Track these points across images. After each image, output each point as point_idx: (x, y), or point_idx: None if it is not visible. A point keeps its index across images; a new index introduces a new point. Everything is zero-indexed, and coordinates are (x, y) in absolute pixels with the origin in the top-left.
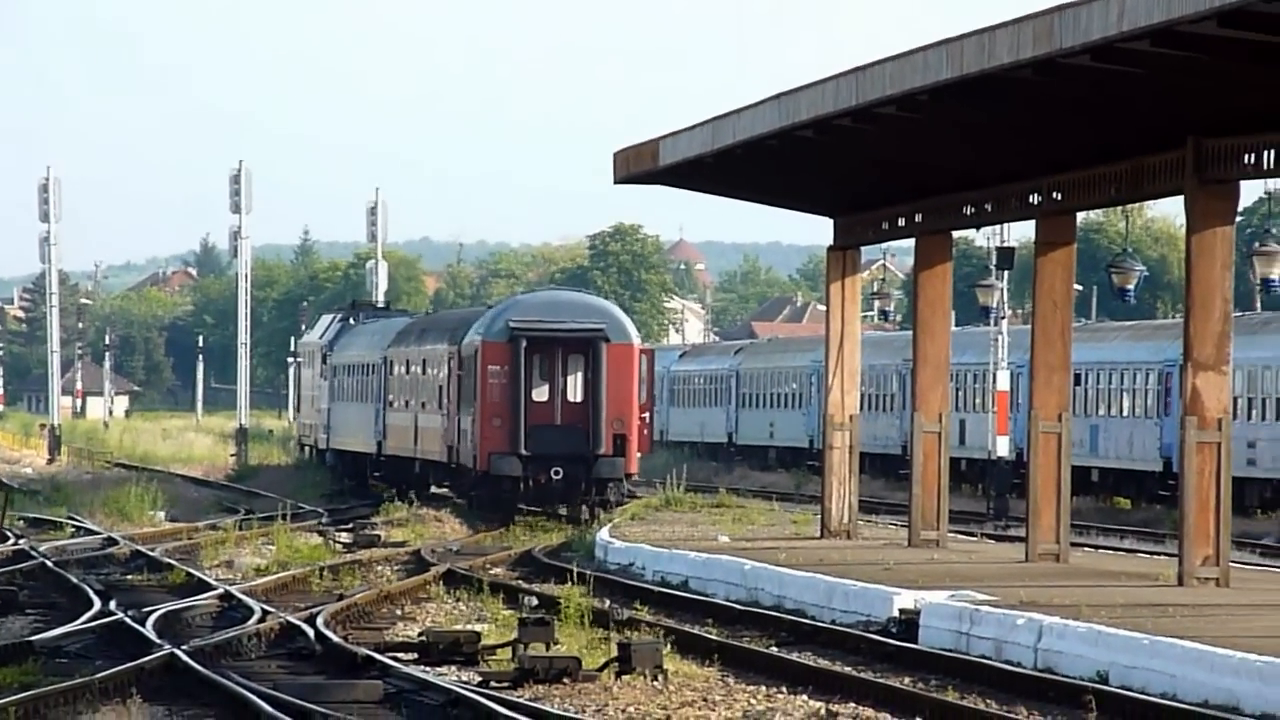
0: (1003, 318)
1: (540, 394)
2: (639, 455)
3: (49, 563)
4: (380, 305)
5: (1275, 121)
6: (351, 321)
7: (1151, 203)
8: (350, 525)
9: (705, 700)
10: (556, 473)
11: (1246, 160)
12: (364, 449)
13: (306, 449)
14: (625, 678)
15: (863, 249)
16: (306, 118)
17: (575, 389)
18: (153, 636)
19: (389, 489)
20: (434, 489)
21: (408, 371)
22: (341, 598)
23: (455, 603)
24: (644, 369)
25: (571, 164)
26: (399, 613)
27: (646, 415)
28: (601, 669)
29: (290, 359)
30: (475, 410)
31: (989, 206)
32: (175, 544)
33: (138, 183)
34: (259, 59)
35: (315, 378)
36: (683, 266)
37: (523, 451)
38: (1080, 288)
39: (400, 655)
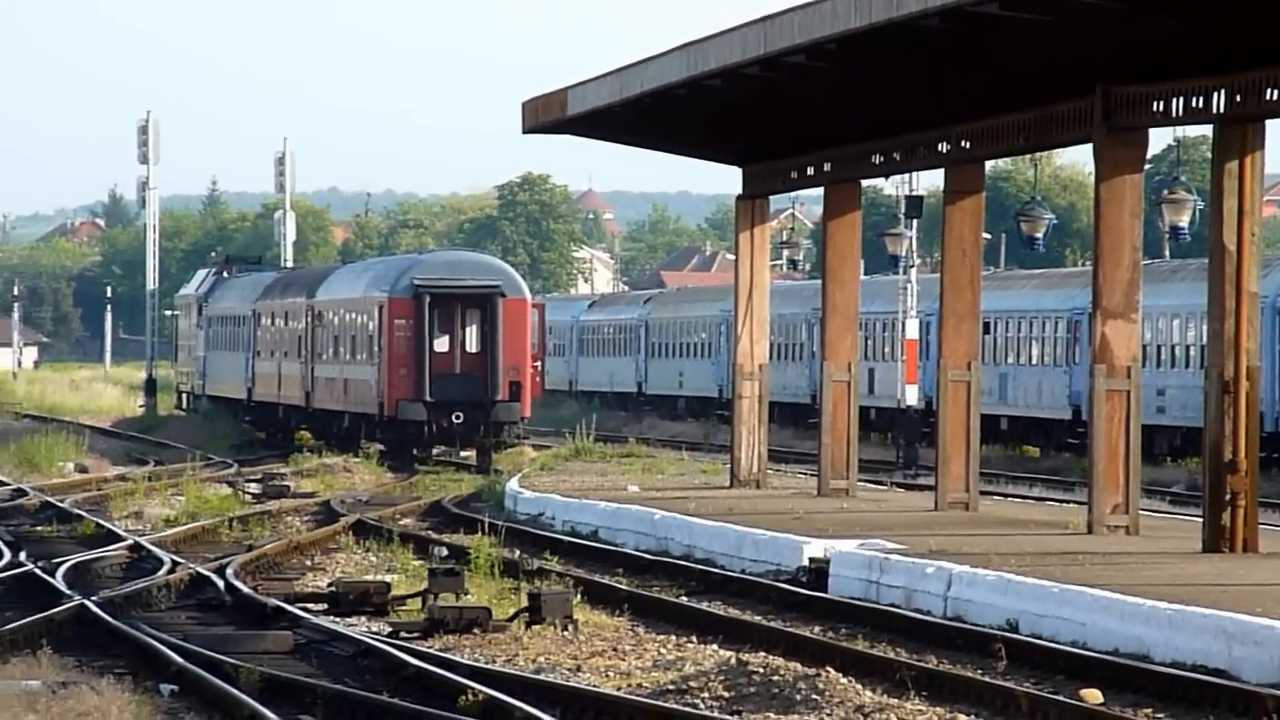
0: (912, 266)
1: (441, 345)
2: (532, 400)
3: None
4: (253, 259)
5: (1183, 69)
6: (225, 275)
7: (1060, 151)
8: (259, 476)
9: (615, 650)
10: (457, 417)
11: (1155, 108)
12: (236, 395)
13: (183, 395)
14: (535, 628)
15: (771, 198)
16: (215, 67)
17: (473, 340)
18: (63, 587)
19: (260, 432)
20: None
21: (273, 323)
22: (251, 548)
23: (365, 553)
24: (536, 322)
25: (480, 113)
26: (309, 563)
27: (539, 364)
28: (511, 619)
29: (168, 311)
30: (382, 360)
31: (897, 155)
32: (85, 495)
33: (46, 134)
34: (167, 7)
35: (191, 327)
36: (591, 216)
37: (427, 398)
38: (989, 236)
39: (310, 606)
